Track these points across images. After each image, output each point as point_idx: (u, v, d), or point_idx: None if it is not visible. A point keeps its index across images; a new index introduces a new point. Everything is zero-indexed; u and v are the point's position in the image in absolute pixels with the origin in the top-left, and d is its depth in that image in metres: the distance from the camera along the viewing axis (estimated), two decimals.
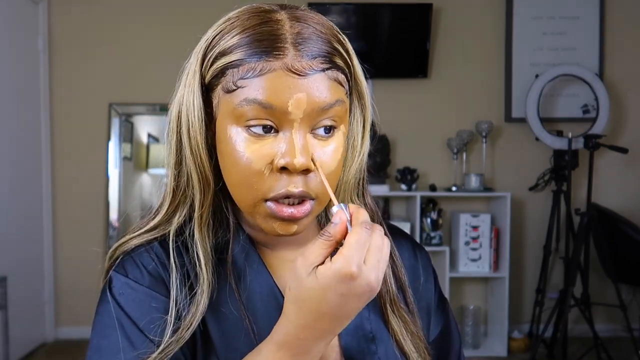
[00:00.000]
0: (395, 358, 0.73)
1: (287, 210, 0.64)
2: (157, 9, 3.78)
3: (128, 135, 3.83)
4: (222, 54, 0.65)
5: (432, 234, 3.62)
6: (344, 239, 0.58)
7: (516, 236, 3.85)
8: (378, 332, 0.73)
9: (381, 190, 3.61)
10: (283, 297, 0.70)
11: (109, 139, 3.81)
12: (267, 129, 0.63)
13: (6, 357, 3.01)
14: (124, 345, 0.64)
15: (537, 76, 3.73)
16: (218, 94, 0.66)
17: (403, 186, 3.65)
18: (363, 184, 0.76)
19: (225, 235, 0.72)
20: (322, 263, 0.57)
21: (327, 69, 0.64)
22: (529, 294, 3.87)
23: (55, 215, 3.80)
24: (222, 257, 0.71)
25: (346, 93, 0.68)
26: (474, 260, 3.63)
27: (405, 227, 3.56)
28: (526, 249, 3.94)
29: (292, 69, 0.62)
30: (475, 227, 3.62)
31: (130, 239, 0.72)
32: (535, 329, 3.61)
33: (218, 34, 0.66)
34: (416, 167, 3.71)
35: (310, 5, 3.57)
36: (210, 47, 0.66)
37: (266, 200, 0.64)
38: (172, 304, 0.67)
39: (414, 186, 3.64)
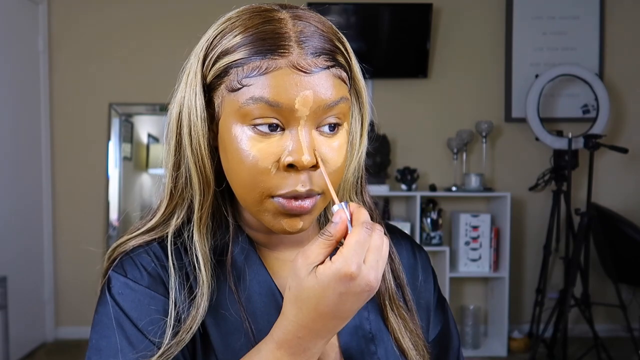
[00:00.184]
0: (395, 358, 0.73)
1: (295, 203, 0.64)
2: (157, 9, 3.78)
3: (128, 135, 3.83)
4: (225, 53, 0.65)
5: (432, 234, 3.62)
6: (344, 238, 0.58)
7: (516, 236, 3.85)
8: (377, 332, 0.73)
9: (381, 190, 3.61)
10: (282, 298, 0.70)
11: (109, 139, 3.81)
12: (273, 127, 0.63)
13: (6, 357, 3.01)
14: (123, 346, 0.64)
15: (537, 76, 3.73)
16: (221, 94, 0.66)
17: (403, 186, 3.65)
18: (361, 182, 0.77)
19: (224, 236, 0.72)
20: (322, 262, 0.57)
21: (331, 66, 0.64)
22: (529, 294, 3.87)
23: (55, 215, 3.80)
24: (221, 259, 0.71)
25: (348, 90, 0.68)
26: (474, 260, 3.64)
27: (405, 227, 3.56)
28: (526, 249, 3.94)
29: (298, 67, 0.62)
30: (475, 227, 3.62)
31: (129, 239, 0.72)
32: (535, 329, 3.61)
33: (219, 33, 0.66)
34: (416, 167, 3.71)
35: (310, 5, 3.57)
36: (211, 47, 0.66)
37: (273, 197, 0.64)
38: (171, 306, 0.66)
39: (414, 186, 3.64)
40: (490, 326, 3.85)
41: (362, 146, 0.74)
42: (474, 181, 3.63)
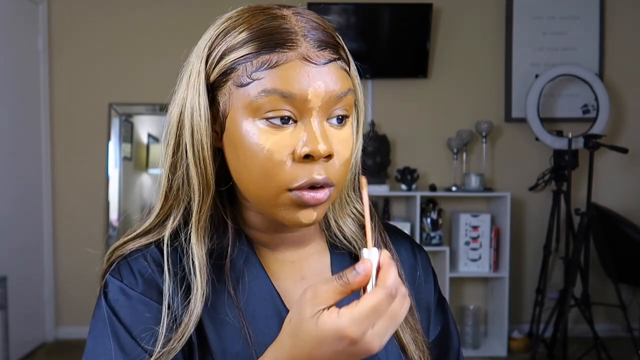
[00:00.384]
0: (395, 359, 0.73)
1: (311, 194, 0.64)
2: (157, 9, 3.78)
3: (128, 135, 3.83)
4: (230, 50, 0.65)
5: (432, 234, 3.62)
6: (364, 289, 0.56)
7: (516, 236, 3.85)
8: None
9: (381, 190, 3.61)
10: (282, 301, 0.70)
11: (109, 139, 3.81)
12: (285, 120, 0.64)
13: (6, 357, 3.01)
14: (116, 353, 0.64)
15: (537, 76, 3.73)
16: (228, 91, 0.65)
17: (403, 186, 3.65)
18: (358, 179, 0.77)
19: (222, 239, 0.71)
20: (330, 307, 0.55)
21: (337, 59, 0.66)
22: (529, 294, 3.87)
23: (55, 215, 3.80)
24: (219, 263, 0.70)
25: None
26: (474, 260, 3.63)
27: (405, 227, 3.56)
28: (526, 249, 3.94)
29: (308, 59, 0.63)
30: (475, 227, 3.62)
31: (126, 242, 0.72)
32: (535, 329, 3.61)
33: (221, 32, 0.67)
34: (416, 167, 3.71)
35: (310, 5, 3.57)
36: (214, 46, 0.67)
37: (290, 190, 0.64)
38: (164, 312, 0.66)
39: (414, 186, 3.64)
40: (490, 326, 3.85)
41: (359, 143, 0.74)
42: (474, 181, 3.63)
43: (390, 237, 0.81)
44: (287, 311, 0.67)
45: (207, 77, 0.67)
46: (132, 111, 3.83)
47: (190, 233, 0.69)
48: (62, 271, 3.80)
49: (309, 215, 0.65)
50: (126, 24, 3.79)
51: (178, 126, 0.68)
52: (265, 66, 0.63)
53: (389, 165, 3.76)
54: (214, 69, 0.66)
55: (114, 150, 3.81)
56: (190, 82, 0.67)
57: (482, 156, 3.80)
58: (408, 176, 3.64)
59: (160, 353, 0.64)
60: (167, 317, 0.66)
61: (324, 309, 0.55)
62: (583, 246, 3.22)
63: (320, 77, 0.63)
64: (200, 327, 0.67)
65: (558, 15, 3.85)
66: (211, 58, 0.66)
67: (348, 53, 0.69)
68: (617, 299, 3.14)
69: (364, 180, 0.63)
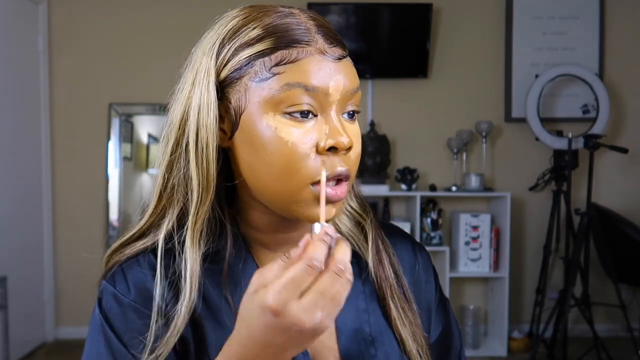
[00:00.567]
0: (395, 354, 0.73)
1: (332, 191, 0.64)
2: (157, 9, 3.78)
3: (128, 135, 3.83)
4: (245, 46, 0.65)
5: (432, 234, 3.62)
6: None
7: (516, 236, 3.85)
8: (378, 335, 0.73)
9: (381, 190, 3.61)
10: None
11: (109, 139, 3.81)
12: (305, 114, 0.64)
13: (6, 357, 3.01)
14: (107, 359, 0.65)
15: (537, 76, 3.72)
16: (243, 87, 0.65)
17: (403, 186, 3.65)
18: None
19: (219, 243, 0.70)
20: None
21: (348, 55, 0.67)
22: (529, 294, 3.87)
23: (55, 215, 3.80)
24: (216, 267, 0.69)
25: None
26: (474, 260, 3.63)
27: (405, 227, 3.56)
28: (526, 249, 3.94)
29: (327, 53, 0.64)
30: (475, 227, 3.62)
31: (122, 245, 0.71)
32: (535, 329, 3.61)
33: (231, 29, 0.66)
34: (416, 167, 3.71)
35: (310, 5, 3.58)
36: (225, 43, 0.66)
37: (312, 185, 0.64)
38: (153, 318, 0.66)
39: (414, 186, 3.64)
40: (490, 326, 3.85)
41: None
42: (474, 181, 3.63)
43: (392, 237, 0.81)
44: None
45: (216, 74, 0.66)
46: (132, 111, 3.83)
47: (184, 236, 0.67)
48: (62, 271, 3.80)
49: (328, 211, 0.65)
50: (126, 24, 3.78)
51: (181, 125, 0.67)
52: (285, 61, 0.63)
53: (389, 165, 3.76)
54: (225, 66, 0.66)
55: (114, 150, 3.81)
56: (197, 80, 0.66)
57: (482, 156, 3.80)
58: (408, 176, 3.64)
59: None
60: (156, 323, 0.65)
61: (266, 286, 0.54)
62: (583, 246, 3.22)
63: (338, 71, 0.65)
64: (201, 330, 0.67)
65: (558, 15, 3.85)
66: (221, 55, 0.66)
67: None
68: (617, 299, 3.14)
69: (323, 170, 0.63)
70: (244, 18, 0.67)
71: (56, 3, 3.76)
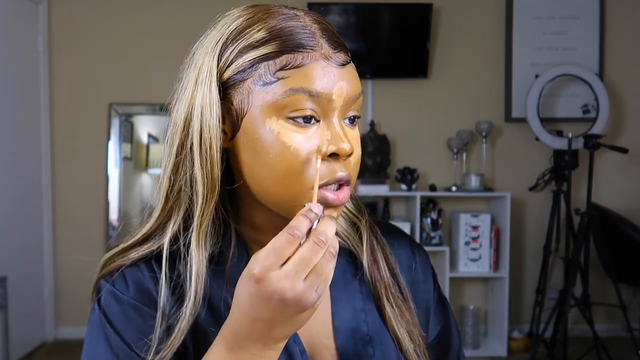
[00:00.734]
0: (393, 353, 0.73)
1: (333, 196, 0.64)
2: (157, 9, 3.78)
3: (128, 135, 3.83)
4: (249, 48, 0.64)
5: (432, 234, 3.62)
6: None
7: (516, 236, 3.85)
8: (375, 334, 0.73)
9: (381, 190, 3.61)
10: None
11: (109, 139, 3.81)
12: (307, 119, 0.64)
13: (6, 357, 3.01)
14: (108, 358, 0.65)
15: (537, 76, 3.72)
16: (247, 89, 0.65)
17: (403, 186, 3.65)
18: None
19: (222, 244, 0.70)
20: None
21: (351, 60, 0.67)
22: (529, 294, 3.87)
23: (55, 215, 3.80)
24: (220, 268, 0.69)
25: None
26: (474, 260, 3.63)
27: (405, 227, 3.56)
28: (526, 249, 3.94)
29: (332, 59, 0.64)
30: (475, 227, 3.62)
31: (125, 250, 0.70)
32: (535, 329, 3.61)
33: (234, 30, 0.66)
34: (416, 167, 3.71)
35: (310, 5, 3.58)
36: (228, 44, 0.66)
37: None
38: (158, 320, 0.66)
39: (414, 186, 3.64)
40: (490, 326, 3.85)
41: None
42: (474, 181, 3.63)
43: (389, 236, 0.80)
44: None
45: (219, 75, 0.66)
46: (132, 111, 3.83)
47: (190, 238, 0.67)
48: (62, 271, 3.80)
49: (329, 215, 0.65)
50: (126, 24, 3.78)
51: (185, 125, 0.67)
52: (290, 65, 0.63)
53: (389, 165, 3.76)
54: (228, 67, 0.65)
55: (114, 150, 3.81)
56: (200, 80, 0.66)
57: (482, 156, 3.80)
58: (408, 176, 3.64)
59: None
60: (161, 325, 0.66)
61: None
62: (583, 246, 3.22)
63: (342, 77, 0.64)
64: (203, 332, 0.67)
65: (558, 15, 3.85)
66: (225, 56, 0.65)
67: None
68: (617, 299, 3.14)
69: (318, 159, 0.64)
70: (248, 18, 0.66)
71: (56, 3, 3.76)
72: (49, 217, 3.76)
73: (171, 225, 0.69)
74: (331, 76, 0.64)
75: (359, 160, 0.68)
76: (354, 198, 0.78)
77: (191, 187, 0.67)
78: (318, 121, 0.64)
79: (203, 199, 0.66)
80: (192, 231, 0.67)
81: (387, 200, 3.79)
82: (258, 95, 0.64)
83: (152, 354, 0.64)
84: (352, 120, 0.67)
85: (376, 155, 3.66)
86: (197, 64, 0.67)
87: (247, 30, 0.65)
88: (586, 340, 3.44)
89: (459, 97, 3.88)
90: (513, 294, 3.76)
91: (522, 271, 3.93)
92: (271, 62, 0.63)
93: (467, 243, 3.63)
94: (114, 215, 3.81)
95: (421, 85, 3.86)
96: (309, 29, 0.64)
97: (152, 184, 3.86)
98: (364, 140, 3.65)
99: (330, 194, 0.64)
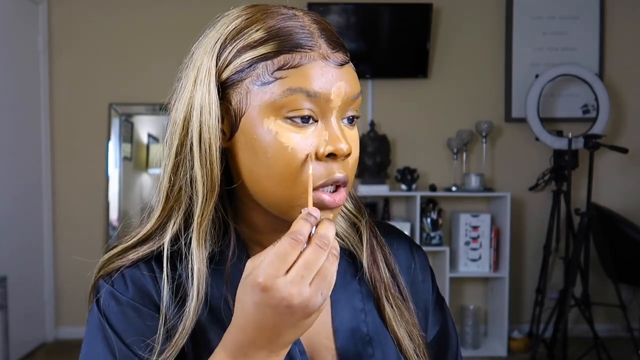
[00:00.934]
0: (393, 353, 0.73)
1: (329, 198, 0.64)
2: (157, 9, 3.78)
3: (128, 135, 3.83)
4: (247, 48, 0.64)
5: (432, 234, 3.62)
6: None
7: (516, 236, 3.85)
8: (375, 335, 0.73)
9: (381, 190, 3.61)
10: None
11: (109, 139, 3.81)
12: (305, 119, 0.64)
13: (6, 357, 3.01)
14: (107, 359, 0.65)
15: (537, 76, 3.72)
16: (245, 89, 0.64)
17: (403, 186, 3.65)
18: None
19: (222, 244, 0.70)
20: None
21: (350, 60, 0.67)
22: (529, 294, 3.87)
23: (55, 215, 3.80)
24: (220, 268, 0.69)
25: None
26: (474, 260, 3.63)
27: (405, 227, 3.56)
28: (526, 249, 3.94)
29: (330, 59, 0.64)
30: (475, 227, 3.62)
31: (125, 250, 0.70)
32: (535, 329, 3.61)
33: (233, 30, 0.66)
34: (416, 167, 3.71)
35: (310, 5, 3.58)
36: (227, 44, 0.65)
37: (313, 190, 0.64)
38: (161, 321, 0.66)
39: (414, 186, 3.64)
40: (490, 326, 3.85)
41: None
42: (474, 181, 3.63)
43: (389, 236, 0.80)
44: None
45: (217, 74, 0.65)
46: (132, 111, 3.83)
47: (191, 237, 0.67)
48: (62, 271, 3.80)
49: (326, 217, 0.65)
50: (126, 24, 3.79)
51: (184, 125, 0.67)
52: (288, 65, 0.63)
53: (389, 165, 3.76)
54: (226, 66, 0.65)
55: (114, 150, 3.81)
56: (199, 80, 0.66)
57: (482, 156, 3.80)
58: (408, 176, 3.64)
59: None
60: (165, 325, 0.65)
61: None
62: (583, 246, 3.22)
63: (340, 77, 0.64)
64: (202, 332, 0.67)
65: (558, 15, 3.85)
66: (223, 56, 0.65)
67: None
68: (617, 299, 3.14)
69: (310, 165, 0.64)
70: (247, 19, 0.66)
71: (56, 3, 3.76)
72: (49, 217, 3.76)
73: (171, 225, 0.69)
74: (329, 76, 0.63)
75: (356, 161, 0.68)
76: (354, 198, 0.78)
77: (191, 186, 0.67)
78: (316, 121, 0.64)
79: (203, 198, 0.66)
80: (192, 230, 0.67)
81: (387, 200, 3.79)
82: (256, 95, 0.64)
83: (156, 354, 0.64)
84: (351, 120, 0.67)
85: (376, 155, 3.66)
86: (196, 64, 0.67)
87: (246, 30, 0.65)
88: (586, 340, 3.44)
89: (459, 97, 3.88)
90: (513, 294, 3.76)
91: (522, 271, 3.93)
92: (269, 62, 0.63)
93: (467, 243, 3.63)
94: (114, 215, 3.81)
95: (421, 85, 3.86)
96: (307, 29, 0.64)
97: (152, 184, 3.86)
98: (364, 140, 3.65)
99: (326, 196, 0.64)
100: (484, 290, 3.93)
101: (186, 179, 0.67)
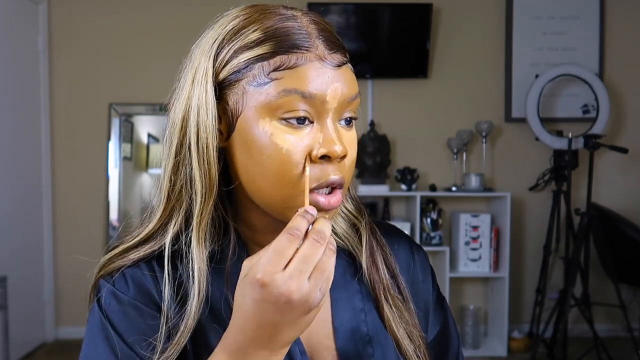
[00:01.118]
0: (392, 354, 0.73)
1: (324, 200, 0.64)
2: (157, 9, 3.78)
3: (128, 135, 3.83)
4: (244, 48, 0.64)
5: (432, 234, 3.62)
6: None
7: (516, 236, 3.85)
8: (375, 334, 0.73)
9: (381, 190, 3.61)
10: None
11: (109, 139, 3.81)
12: (301, 121, 0.63)
13: (6, 357, 3.01)
14: (109, 359, 0.65)
15: (537, 76, 3.72)
16: (241, 90, 0.64)
17: (403, 186, 3.65)
18: None
19: (222, 243, 0.70)
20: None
21: (348, 61, 0.67)
22: (529, 294, 3.87)
23: (55, 215, 3.80)
24: (220, 267, 0.70)
25: None
26: (474, 260, 3.63)
27: (405, 227, 3.56)
28: (526, 249, 3.94)
29: (326, 60, 0.64)
30: (475, 227, 3.62)
31: (126, 250, 0.70)
32: (535, 329, 3.61)
33: (230, 30, 0.66)
34: (416, 167, 3.71)
35: (310, 5, 3.58)
36: (224, 44, 0.66)
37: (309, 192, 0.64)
38: (162, 320, 0.66)
39: (414, 186, 3.64)
40: (490, 326, 3.85)
41: None
42: (474, 181, 3.63)
43: (389, 236, 0.80)
44: None
45: (215, 75, 0.66)
46: (132, 111, 3.83)
47: (191, 237, 0.67)
48: (62, 271, 3.80)
49: (322, 216, 0.65)
50: (126, 24, 3.79)
51: (182, 125, 0.67)
52: (284, 66, 0.63)
53: (389, 165, 3.76)
54: (223, 67, 0.65)
55: (114, 150, 3.81)
56: (196, 80, 0.66)
57: (482, 156, 3.80)
58: (408, 176, 3.64)
59: None
60: (166, 324, 0.66)
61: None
62: (583, 246, 3.22)
63: (337, 79, 0.64)
64: (202, 331, 0.67)
65: (558, 15, 3.85)
66: (220, 56, 0.65)
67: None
68: (617, 299, 3.15)
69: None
70: (245, 19, 0.66)
71: (56, 3, 3.76)
72: (49, 217, 3.76)
73: (172, 225, 0.69)
74: (325, 77, 0.63)
75: (353, 162, 0.68)
76: (354, 199, 0.78)
77: (190, 186, 0.67)
78: (312, 122, 0.64)
79: (202, 197, 0.66)
80: (192, 230, 0.67)
81: (387, 200, 3.79)
82: (252, 95, 0.64)
83: (158, 353, 0.64)
84: (348, 121, 0.67)
85: (376, 155, 3.66)
86: (194, 64, 0.67)
87: (243, 30, 0.65)
88: (586, 340, 3.44)
89: (459, 97, 3.88)
90: (513, 294, 3.76)
91: (522, 271, 3.93)
92: (265, 62, 0.63)
93: (467, 243, 3.63)
94: (114, 215, 3.81)
95: (421, 85, 3.86)
96: (305, 30, 0.64)
97: (152, 184, 3.86)
98: (363, 140, 3.65)
99: (321, 198, 0.64)
100: (484, 290, 3.93)
101: (186, 179, 0.67)
